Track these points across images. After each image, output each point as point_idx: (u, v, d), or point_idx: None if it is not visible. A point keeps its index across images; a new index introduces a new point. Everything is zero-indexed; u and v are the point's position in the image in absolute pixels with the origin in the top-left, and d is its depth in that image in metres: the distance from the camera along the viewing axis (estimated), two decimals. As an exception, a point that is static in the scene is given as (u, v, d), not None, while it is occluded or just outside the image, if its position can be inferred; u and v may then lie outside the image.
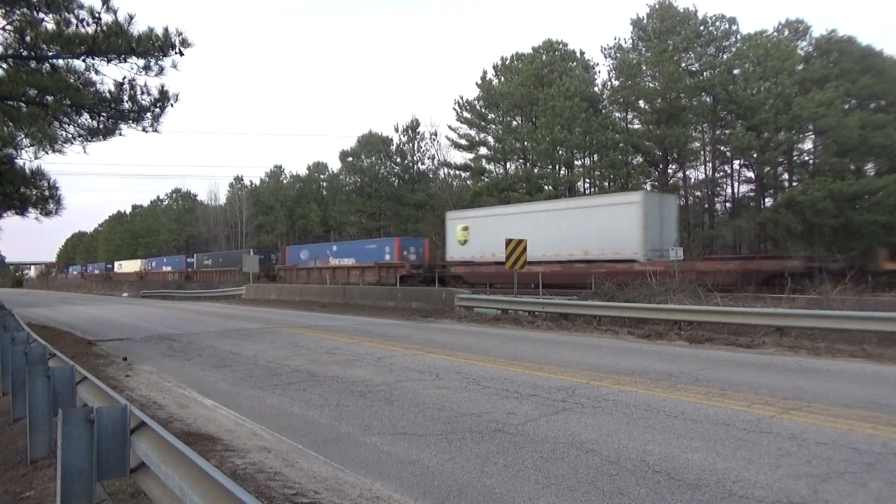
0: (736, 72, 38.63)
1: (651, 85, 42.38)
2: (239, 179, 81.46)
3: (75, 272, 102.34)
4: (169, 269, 67.07)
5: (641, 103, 44.13)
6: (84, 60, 11.69)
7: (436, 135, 64.66)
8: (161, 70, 11.99)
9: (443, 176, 56.48)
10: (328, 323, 17.86)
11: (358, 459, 5.15)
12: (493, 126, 48.99)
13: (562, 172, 44.34)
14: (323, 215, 68.32)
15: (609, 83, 46.21)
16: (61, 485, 3.64)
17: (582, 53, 48.01)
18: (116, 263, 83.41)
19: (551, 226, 27.62)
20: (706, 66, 41.20)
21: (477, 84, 49.30)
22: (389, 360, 10.21)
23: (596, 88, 45.94)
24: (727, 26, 41.50)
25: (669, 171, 45.20)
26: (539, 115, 42.98)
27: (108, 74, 16.80)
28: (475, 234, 31.16)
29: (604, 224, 25.63)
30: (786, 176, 40.51)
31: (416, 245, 37.25)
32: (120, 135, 13.14)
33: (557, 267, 26.41)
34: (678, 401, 6.81)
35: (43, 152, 13.55)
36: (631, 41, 44.99)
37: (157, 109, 12.59)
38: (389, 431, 5.93)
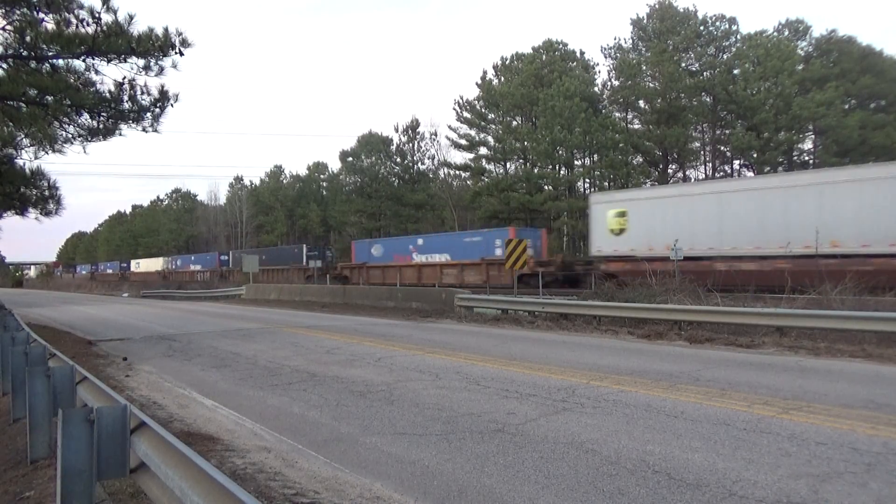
0: (736, 72, 38.66)
1: (651, 85, 42.40)
2: (239, 179, 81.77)
3: (84, 272, 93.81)
4: (198, 267, 59.59)
5: (641, 103, 44.16)
6: (84, 60, 11.71)
7: (436, 135, 64.78)
8: (161, 70, 12.03)
9: (443, 176, 56.54)
10: (328, 323, 17.86)
11: (358, 459, 5.15)
12: (493, 126, 49.00)
13: (562, 172, 44.37)
14: (323, 215, 68.39)
15: (609, 83, 46.30)
16: (61, 485, 3.63)
17: (582, 53, 48.12)
18: (133, 262, 76.24)
19: (770, 209, 21.18)
20: (706, 66, 41.22)
21: (477, 84, 49.37)
22: (389, 360, 10.21)
23: (596, 88, 45.98)
24: (727, 26, 41.54)
25: (669, 171, 45.24)
26: (539, 115, 42.98)
27: (108, 74, 16.85)
28: (637, 222, 24.92)
29: (867, 205, 19.18)
30: (786, 176, 40.56)
31: (533, 237, 30.19)
32: (120, 135, 13.20)
33: (783, 263, 20.18)
34: (678, 401, 6.81)
35: (43, 152, 13.59)
36: (631, 41, 45.07)
37: (157, 109, 12.62)
38: (389, 431, 5.93)
